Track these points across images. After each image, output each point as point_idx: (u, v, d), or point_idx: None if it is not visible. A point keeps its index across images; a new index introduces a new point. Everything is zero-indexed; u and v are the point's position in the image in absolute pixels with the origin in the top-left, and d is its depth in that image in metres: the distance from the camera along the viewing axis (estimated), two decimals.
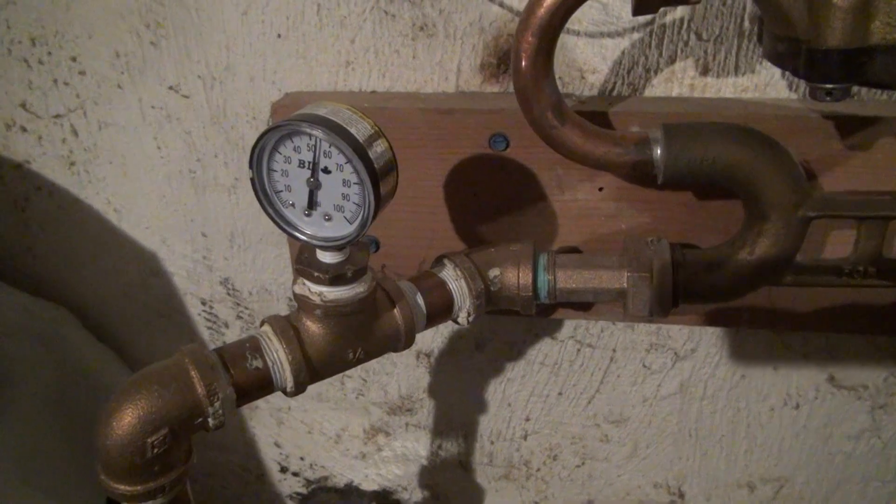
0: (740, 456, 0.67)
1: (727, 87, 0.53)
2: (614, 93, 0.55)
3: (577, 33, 0.53)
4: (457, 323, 0.47)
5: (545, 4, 0.40)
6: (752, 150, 0.41)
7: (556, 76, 0.55)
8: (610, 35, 0.53)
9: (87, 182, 0.65)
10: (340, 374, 0.70)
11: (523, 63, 0.41)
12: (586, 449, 0.69)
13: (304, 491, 0.77)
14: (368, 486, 0.75)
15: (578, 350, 0.64)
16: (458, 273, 0.46)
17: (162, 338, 0.71)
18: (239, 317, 0.69)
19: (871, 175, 0.49)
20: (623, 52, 0.53)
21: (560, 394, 0.67)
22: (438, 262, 0.47)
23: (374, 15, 0.54)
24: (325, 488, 0.74)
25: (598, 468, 0.70)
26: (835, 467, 0.66)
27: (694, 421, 0.66)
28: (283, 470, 0.76)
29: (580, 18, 0.52)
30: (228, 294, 0.68)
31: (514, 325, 0.64)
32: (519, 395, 0.68)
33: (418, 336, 0.66)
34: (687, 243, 0.53)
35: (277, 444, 0.75)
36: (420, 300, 0.44)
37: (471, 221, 0.55)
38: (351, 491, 0.74)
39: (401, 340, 0.43)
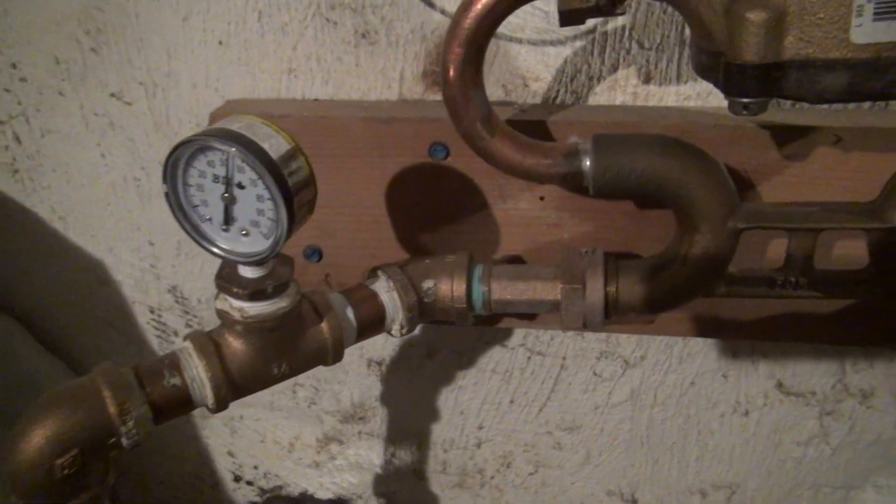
0: (692, 463, 0.67)
1: (669, 96, 0.53)
2: (558, 100, 0.54)
3: (520, 41, 0.53)
4: (391, 335, 0.47)
5: (471, 15, 0.39)
6: (680, 163, 0.41)
7: (500, 83, 0.55)
8: (552, 43, 0.53)
9: (32, 190, 0.64)
10: (291, 383, 0.70)
11: (451, 74, 0.41)
12: (539, 456, 0.69)
13: (258, 500, 0.76)
14: (323, 494, 0.74)
15: (529, 358, 0.64)
16: (391, 285, 0.45)
17: (111, 347, 0.70)
18: (188, 325, 0.68)
19: (808, 185, 0.49)
20: (566, 61, 0.53)
21: (512, 401, 0.67)
22: (372, 273, 0.47)
23: (316, 22, 0.54)
24: (280, 497, 0.74)
25: (551, 476, 0.70)
26: (785, 473, 0.66)
27: (645, 428, 0.66)
28: (237, 479, 0.76)
29: (522, 26, 0.52)
30: (177, 302, 0.67)
31: (464, 333, 0.64)
32: (471, 403, 0.67)
33: (369, 344, 0.66)
34: (629, 252, 0.53)
35: (231, 454, 0.74)
36: (350, 313, 0.44)
37: (414, 230, 0.55)
38: (306, 500, 0.73)
39: (329, 354, 0.43)
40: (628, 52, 0.52)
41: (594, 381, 0.64)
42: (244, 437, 0.73)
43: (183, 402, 0.38)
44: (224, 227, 0.37)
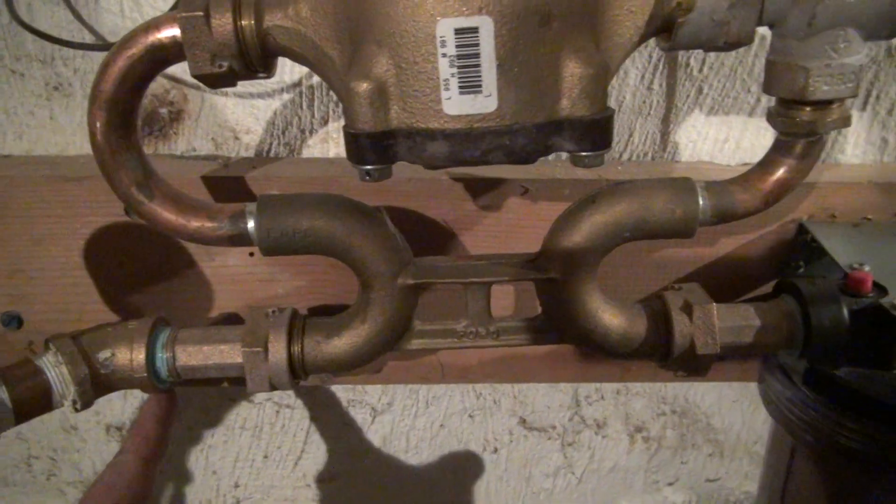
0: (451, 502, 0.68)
1: None
2: (272, 153, 0.54)
3: (226, 94, 0.52)
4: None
5: (108, 78, 0.37)
6: (342, 223, 0.40)
7: (209, 137, 0.53)
8: (261, 96, 0.52)
9: None
10: (26, 455, 0.65)
11: (98, 138, 0.39)
12: None
13: None
14: None
15: (277, 412, 0.62)
16: (59, 359, 0.42)
17: None
18: None
19: (505, 233, 0.51)
20: (276, 113, 0.52)
21: (266, 457, 0.65)
22: (45, 346, 0.44)
23: (1, 74, 0.50)
24: None
25: None
26: None
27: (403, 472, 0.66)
28: None
29: None
30: None
31: (207, 390, 0.61)
32: (224, 462, 0.65)
33: (106, 408, 0.62)
34: (346, 304, 0.53)
35: None
36: (4, 394, 0.40)
37: (120, 292, 0.52)
38: None
39: None
40: (337, 104, 0.52)
41: (346, 430, 0.64)
42: None
43: None
44: None
